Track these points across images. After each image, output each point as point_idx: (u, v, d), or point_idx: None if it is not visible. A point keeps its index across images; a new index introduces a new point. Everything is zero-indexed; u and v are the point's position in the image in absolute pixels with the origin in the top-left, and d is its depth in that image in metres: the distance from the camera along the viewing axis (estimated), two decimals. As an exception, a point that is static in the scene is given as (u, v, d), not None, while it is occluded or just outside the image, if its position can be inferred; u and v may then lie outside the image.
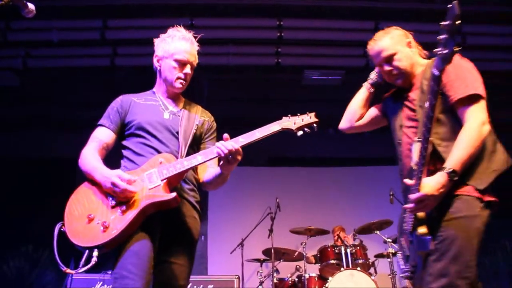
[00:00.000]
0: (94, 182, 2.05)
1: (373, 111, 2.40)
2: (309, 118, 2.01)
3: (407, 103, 2.12)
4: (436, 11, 5.41)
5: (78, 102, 6.06)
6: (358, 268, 4.66)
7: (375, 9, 5.49)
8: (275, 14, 5.34)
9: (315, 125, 2.01)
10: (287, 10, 5.35)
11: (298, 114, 2.02)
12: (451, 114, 1.91)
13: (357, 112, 2.38)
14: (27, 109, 6.14)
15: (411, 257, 2.03)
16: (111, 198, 1.99)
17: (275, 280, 5.02)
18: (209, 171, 2.24)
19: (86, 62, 5.66)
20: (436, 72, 1.66)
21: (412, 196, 1.79)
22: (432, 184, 1.77)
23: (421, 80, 2.07)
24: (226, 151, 1.98)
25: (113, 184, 1.95)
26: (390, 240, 5.01)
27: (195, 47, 2.30)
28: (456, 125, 1.88)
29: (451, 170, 1.76)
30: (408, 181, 1.85)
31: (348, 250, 4.90)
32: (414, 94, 2.09)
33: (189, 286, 4.30)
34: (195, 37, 2.30)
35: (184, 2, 5.28)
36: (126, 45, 5.52)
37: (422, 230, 1.85)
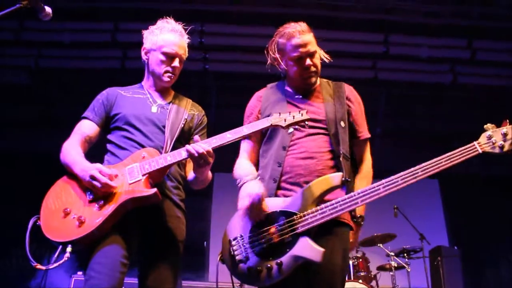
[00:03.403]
0: (73, 176, 1.95)
1: (251, 145, 2.17)
2: (300, 115, 1.87)
3: (309, 109, 2.01)
4: (445, 26, 5.43)
5: (87, 103, 6.09)
6: (360, 281, 4.61)
7: (385, 22, 5.51)
8: (283, 23, 5.35)
9: (306, 122, 1.89)
10: (295, 20, 5.36)
11: (289, 112, 1.90)
12: None
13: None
14: (37, 107, 6.19)
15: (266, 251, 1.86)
16: (89, 193, 1.89)
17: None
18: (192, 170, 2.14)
19: (97, 64, 5.72)
20: None
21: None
22: None
23: (325, 93, 2.11)
24: (196, 154, 1.88)
25: (92, 177, 1.85)
26: (393, 253, 4.98)
27: (185, 39, 2.22)
28: None
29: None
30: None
31: (351, 262, 4.86)
32: (327, 105, 2.06)
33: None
34: (185, 29, 2.23)
35: (195, 7, 5.32)
36: (137, 48, 5.54)
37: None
